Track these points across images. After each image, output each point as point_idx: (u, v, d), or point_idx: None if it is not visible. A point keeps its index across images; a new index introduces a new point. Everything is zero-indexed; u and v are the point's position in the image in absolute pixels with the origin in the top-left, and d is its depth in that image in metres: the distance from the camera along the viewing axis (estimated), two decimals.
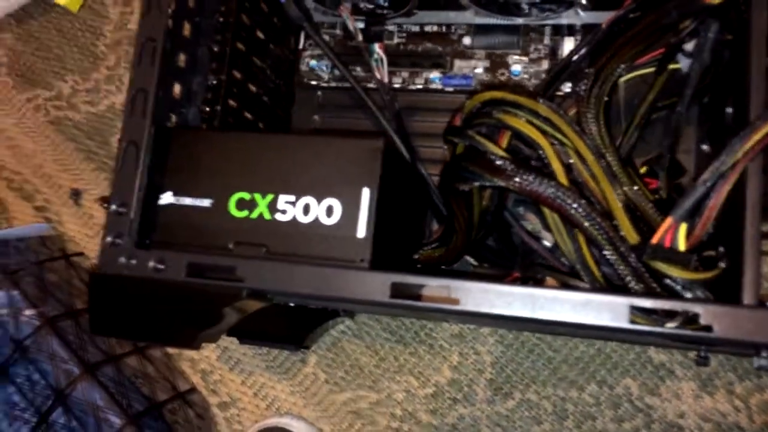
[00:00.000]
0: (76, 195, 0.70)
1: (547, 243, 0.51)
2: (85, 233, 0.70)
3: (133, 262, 0.42)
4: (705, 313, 0.33)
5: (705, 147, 0.50)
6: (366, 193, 0.41)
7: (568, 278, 0.44)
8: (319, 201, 0.41)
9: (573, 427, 0.55)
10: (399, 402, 0.58)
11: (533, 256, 0.52)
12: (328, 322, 0.59)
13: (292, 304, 0.49)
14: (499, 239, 0.53)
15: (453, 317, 0.51)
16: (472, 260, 0.54)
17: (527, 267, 0.48)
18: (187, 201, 0.44)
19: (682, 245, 0.35)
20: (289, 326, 0.58)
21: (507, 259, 0.52)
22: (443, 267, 0.52)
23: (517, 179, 0.41)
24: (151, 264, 0.41)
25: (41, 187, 0.71)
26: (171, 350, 0.65)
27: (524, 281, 0.52)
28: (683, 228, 0.35)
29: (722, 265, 0.36)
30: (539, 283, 0.49)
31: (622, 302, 0.34)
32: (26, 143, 0.72)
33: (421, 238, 0.55)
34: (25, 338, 0.59)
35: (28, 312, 0.60)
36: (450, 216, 0.49)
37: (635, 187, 0.42)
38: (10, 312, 0.60)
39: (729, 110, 0.41)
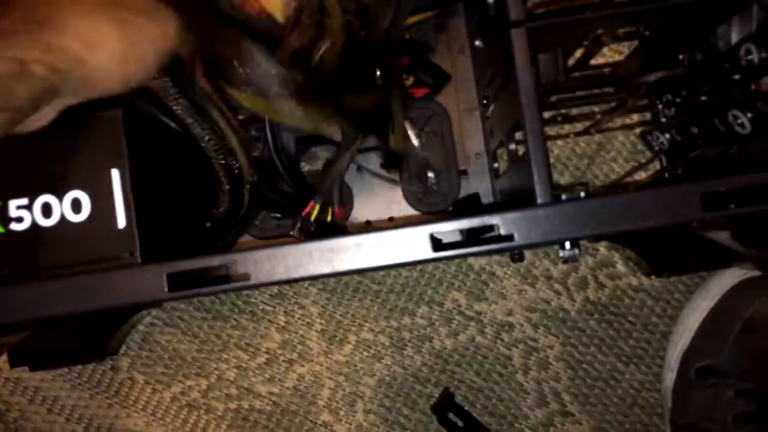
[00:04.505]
0: None
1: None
2: None
3: None
4: (503, 223, 0.31)
5: (478, 43, 0.49)
6: (116, 175, 0.35)
7: None
8: (59, 197, 0.34)
9: (413, 353, 0.54)
10: (232, 381, 0.54)
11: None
12: (132, 318, 0.52)
13: None
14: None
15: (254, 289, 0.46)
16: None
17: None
18: None
19: None
20: (85, 335, 0.50)
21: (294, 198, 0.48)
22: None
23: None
24: None
25: None
26: None
27: (323, 207, 0.47)
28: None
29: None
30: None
31: (421, 232, 0.31)
32: None
33: (212, 202, 0.49)
34: None
35: None
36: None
37: None
38: None
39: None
